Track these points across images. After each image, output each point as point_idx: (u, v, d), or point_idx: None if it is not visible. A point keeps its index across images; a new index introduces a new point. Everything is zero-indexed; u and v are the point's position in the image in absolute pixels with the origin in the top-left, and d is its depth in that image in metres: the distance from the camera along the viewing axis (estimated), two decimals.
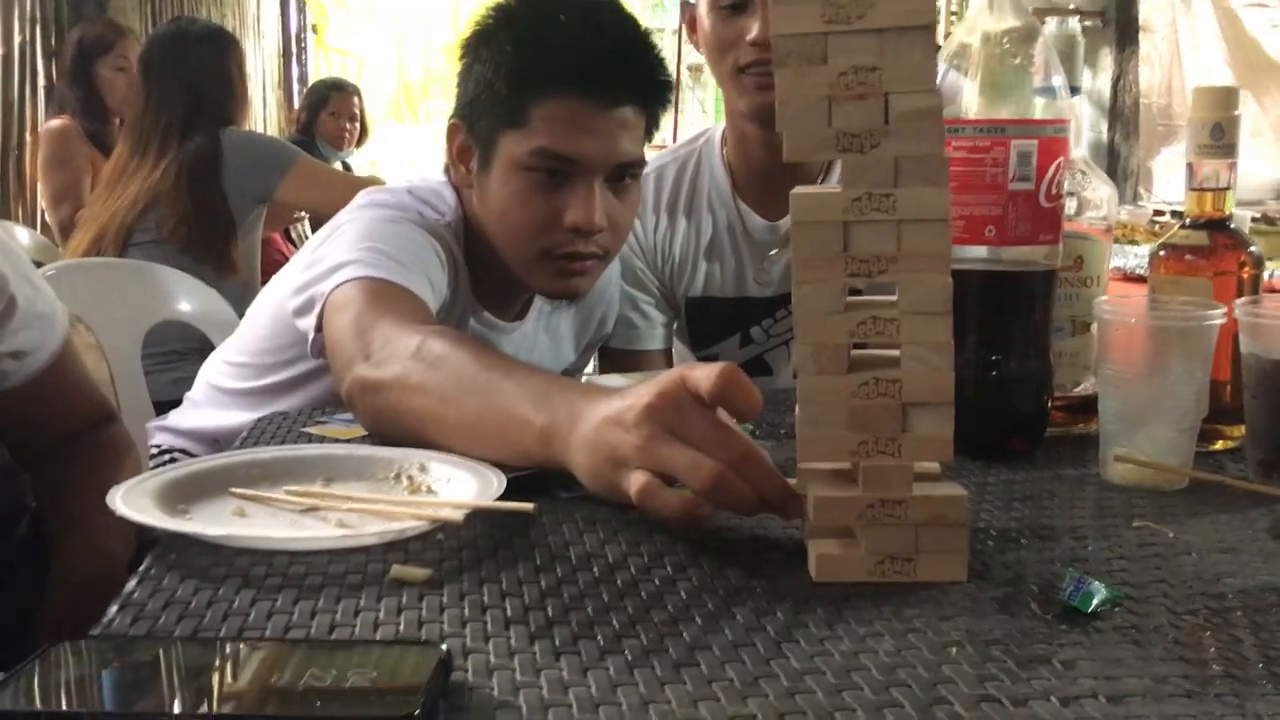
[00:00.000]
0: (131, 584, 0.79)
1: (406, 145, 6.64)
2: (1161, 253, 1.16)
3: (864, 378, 0.80)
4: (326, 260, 1.30)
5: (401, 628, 0.73)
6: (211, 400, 1.62)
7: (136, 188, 2.34)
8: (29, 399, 1.26)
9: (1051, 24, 1.21)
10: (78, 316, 1.72)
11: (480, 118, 1.39)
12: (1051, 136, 1.08)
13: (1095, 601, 0.75)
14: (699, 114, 6.47)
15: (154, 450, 1.64)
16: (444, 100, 6.64)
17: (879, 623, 0.74)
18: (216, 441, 1.52)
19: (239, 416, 1.48)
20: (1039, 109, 1.09)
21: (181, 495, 0.94)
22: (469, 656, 0.68)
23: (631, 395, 0.85)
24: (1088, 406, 1.21)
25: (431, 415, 1.04)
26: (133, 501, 0.88)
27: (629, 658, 0.68)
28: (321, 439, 1.19)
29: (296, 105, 5.56)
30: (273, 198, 2.57)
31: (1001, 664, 0.68)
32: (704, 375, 0.82)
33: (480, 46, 1.39)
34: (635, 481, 0.83)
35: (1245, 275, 1.12)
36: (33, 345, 1.24)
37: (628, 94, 1.36)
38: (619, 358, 1.81)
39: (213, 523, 0.90)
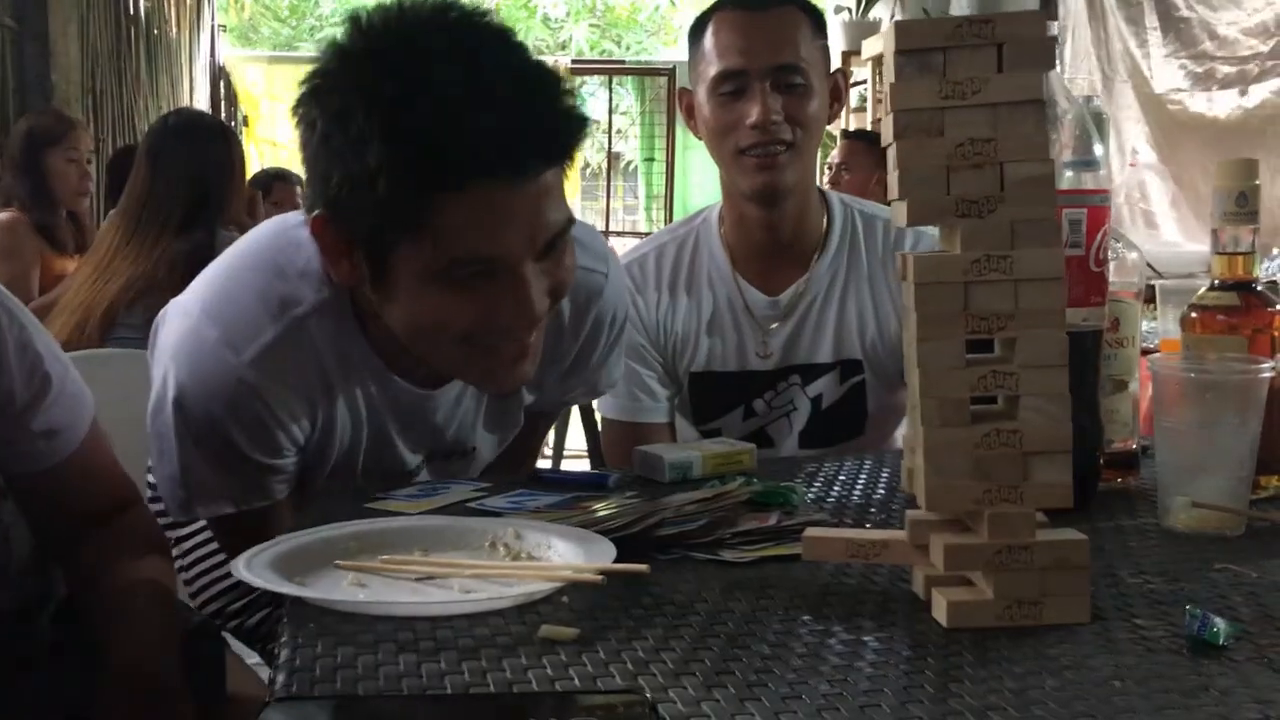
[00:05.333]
0: (286, 652, 0.79)
1: None
2: (1194, 314, 1.23)
3: (986, 429, 0.85)
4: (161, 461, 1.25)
5: (577, 681, 0.74)
6: None
7: (128, 274, 2.32)
8: (61, 480, 1.24)
9: (1078, 102, 1.29)
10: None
11: (357, 221, 1.08)
12: (1097, 206, 1.15)
13: (1224, 635, 0.79)
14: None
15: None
16: None
17: (1029, 662, 0.77)
18: None
19: None
20: (1084, 180, 1.16)
21: (292, 568, 0.94)
22: (658, 706, 0.70)
23: None
24: (1129, 461, 1.27)
25: None
26: (261, 575, 0.88)
27: (810, 703, 0.71)
28: (390, 513, 1.19)
29: None
30: None
31: (1166, 695, 0.72)
32: None
33: (334, 129, 1.05)
34: None
35: (1277, 333, 1.19)
36: (64, 424, 1.23)
37: (547, 159, 1.08)
38: (623, 431, 1.84)
39: (333, 592, 0.90)
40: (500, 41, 1.11)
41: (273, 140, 6.59)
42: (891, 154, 0.86)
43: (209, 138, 2.55)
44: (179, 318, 1.24)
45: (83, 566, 1.29)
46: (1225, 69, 3.67)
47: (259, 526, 1.19)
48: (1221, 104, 3.68)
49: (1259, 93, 3.51)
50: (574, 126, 1.11)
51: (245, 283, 1.23)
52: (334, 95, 1.06)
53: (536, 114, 1.08)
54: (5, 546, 1.21)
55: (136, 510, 1.37)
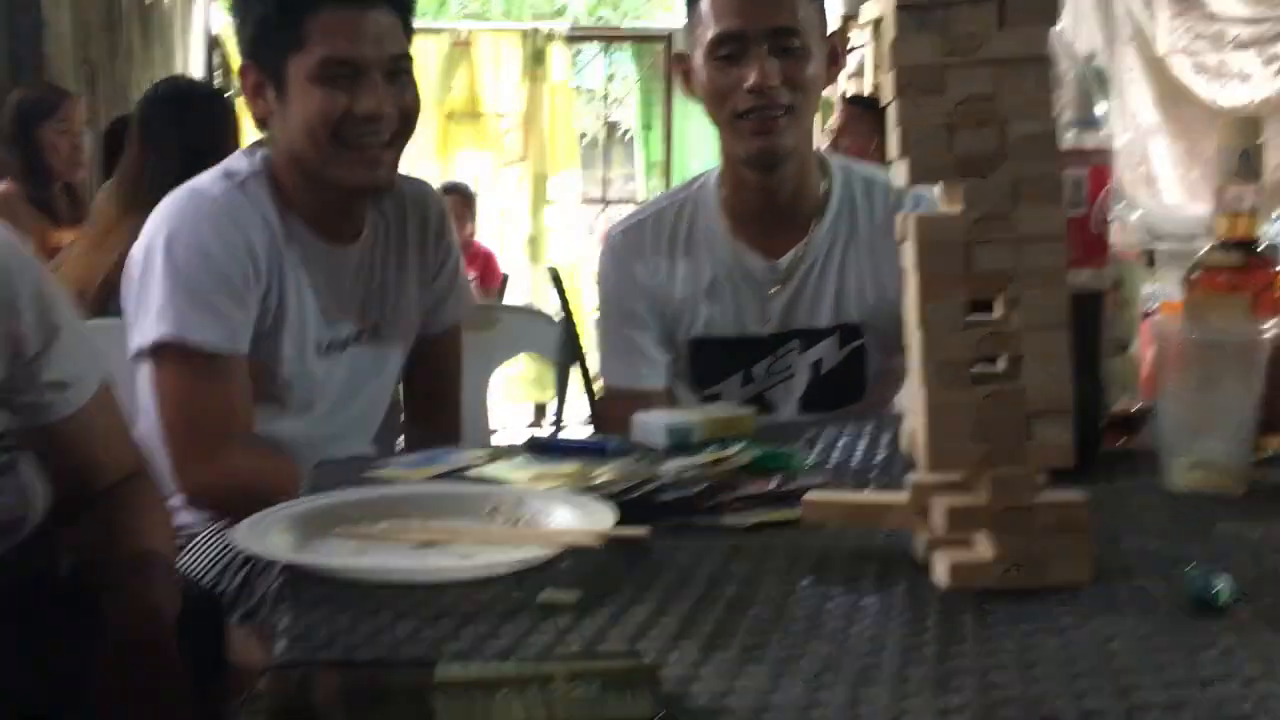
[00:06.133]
0: (288, 619, 0.78)
1: None
2: (1196, 274, 1.22)
3: (987, 390, 0.84)
4: (141, 301, 1.51)
5: (575, 647, 0.74)
6: None
7: (125, 244, 2.28)
8: (70, 437, 1.24)
9: (1080, 61, 1.28)
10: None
11: (265, 51, 1.54)
12: (1099, 165, 1.14)
13: (1225, 595, 0.79)
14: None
15: None
16: None
17: (1030, 623, 0.77)
18: None
19: None
20: (1085, 140, 1.15)
21: (293, 536, 0.94)
22: (657, 670, 0.69)
23: None
24: (1129, 423, 1.27)
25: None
26: (262, 543, 0.87)
27: (810, 665, 0.71)
28: (390, 480, 1.19)
29: None
30: None
31: (1168, 655, 0.71)
32: None
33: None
34: None
35: (1279, 294, 1.19)
36: (73, 377, 1.23)
37: None
38: (622, 397, 1.83)
39: (333, 559, 0.90)
40: None
41: None
42: (891, 112, 0.85)
43: (199, 105, 2.52)
44: (151, 218, 1.58)
45: (86, 532, 1.29)
46: (1233, 30, 3.63)
47: (223, 382, 1.50)
48: (1230, 93, 3.65)
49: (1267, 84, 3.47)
50: None
51: (199, 177, 1.63)
52: None
53: None
54: (23, 499, 1.21)
55: (143, 479, 1.37)
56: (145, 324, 1.50)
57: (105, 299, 2.31)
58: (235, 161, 1.63)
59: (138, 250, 1.56)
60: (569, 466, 1.20)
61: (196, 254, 1.51)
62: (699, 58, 1.73)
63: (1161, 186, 3.98)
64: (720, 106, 1.72)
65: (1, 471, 1.18)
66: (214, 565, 1.53)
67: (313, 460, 1.39)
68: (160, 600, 1.20)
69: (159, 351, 1.50)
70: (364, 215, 1.66)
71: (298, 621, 0.78)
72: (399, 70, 1.56)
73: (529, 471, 1.20)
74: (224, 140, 2.50)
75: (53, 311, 1.19)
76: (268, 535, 0.92)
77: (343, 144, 1.52)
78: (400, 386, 1.83)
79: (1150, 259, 2.20)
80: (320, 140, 1.52)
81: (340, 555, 0.92)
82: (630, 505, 1.02)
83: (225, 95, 2.77)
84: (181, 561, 1.51)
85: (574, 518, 0.98)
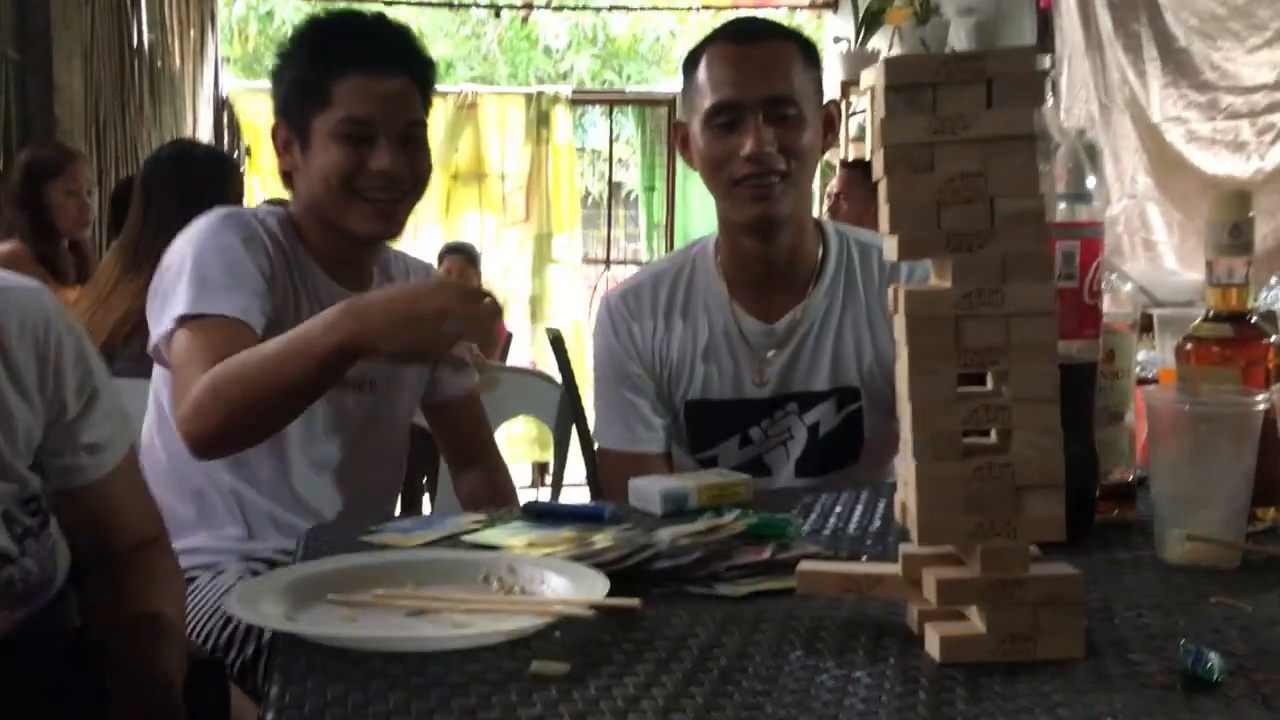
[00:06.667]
0: (276, 689, 0.78)
1: None
2: (1188, 345, 1.23)
3: (978, 463, 0.84)
4: (168, 294, 1.57)
5: (567, 719, 0.74)
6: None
7: (126, 306, 2.31)
8: (99, 501, 1.25)
9: (1071, 134, 1.29)
10: None
11: (294, 110, 1.68)
12: (1090, 237, 1.16)
13: (1218, 671, 0.79)
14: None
15: None
16: None
17: (1022, 699, 0.77)
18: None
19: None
20: (1077, 213, 1.16)
21: (284, 603, 0.94)
22: None
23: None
24: (1125, 493, 1.27)
25: (253, 382, 1.40)
26: (255, 612, 0.87)
27: None
28: (385, 547, 1.19)
29: None
30: None
31: None
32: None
33: (286, 64, 1.72)
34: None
35: (1270, 365, 1.19)
36: (107, 440, 1.24)
37: (402, 67, 1.68)
38: (620, 461, 1.83)
39: (324, 627, 0.90)
40: (393, 21, 1.77)
41: (275, 172, 6.61)
42: (882, 189, 0.87)
43: (201, 167, 2.55)
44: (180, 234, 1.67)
45: (97, 594, 1.29)
46: (1228, 99, 3.67)
47: (237, 342, 1.49)
48: (1223, 162, 3.68)
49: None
50: (424, 58, 1.74)
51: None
52: (289, 47, 1.73)
53: (401, 41, 1.72)
54: (51, 560, 1.21)
55: (160, 546, 1.37)
56: (166, 314, 1.56)
57: (109, 358, 2.33)
58: (257, 207, 1.80)
59: (164, 261, 1.65)
60: (565, 533, 1.20)
61: (217, 250, 1.60)
62: (696, 126, 1.75)
63: (1160, 251, 4.00)
64: (717, 174, 1.74)
65: (34, 534, 1.18)
66: (210, 616, 1.53)
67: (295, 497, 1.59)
68: (167, 664, 1.20)
69: (176, 330, 1.54)
70: (373, 268, 1.78)
71: (286, 690, 0.78)
72: (413, 135, 1.68)
73: (525, 538, 1.20)
74: (226, 202, 2.53)
75: (93, 375, 1.21)
76: (260, 602, 0.92)
77: (356, 195, 1.64)
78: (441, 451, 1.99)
79: (1148, 324, 2.22)
80: (335, 190, 1.64)
81: (332, 622, 0.92)
82: (625, 573, 1.02)
83: (229, 157, 2.81)
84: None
85: (567, 586, 0.98)
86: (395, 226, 1.72)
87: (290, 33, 1.81)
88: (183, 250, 1.63)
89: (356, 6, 1.89)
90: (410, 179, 1.69)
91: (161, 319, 1.59)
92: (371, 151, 1.64)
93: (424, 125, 1.73)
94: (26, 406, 1.16)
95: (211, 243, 1.62)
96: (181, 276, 1.58)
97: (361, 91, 1.65)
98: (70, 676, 1.25)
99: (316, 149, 1.66)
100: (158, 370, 1.74)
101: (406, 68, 1.71)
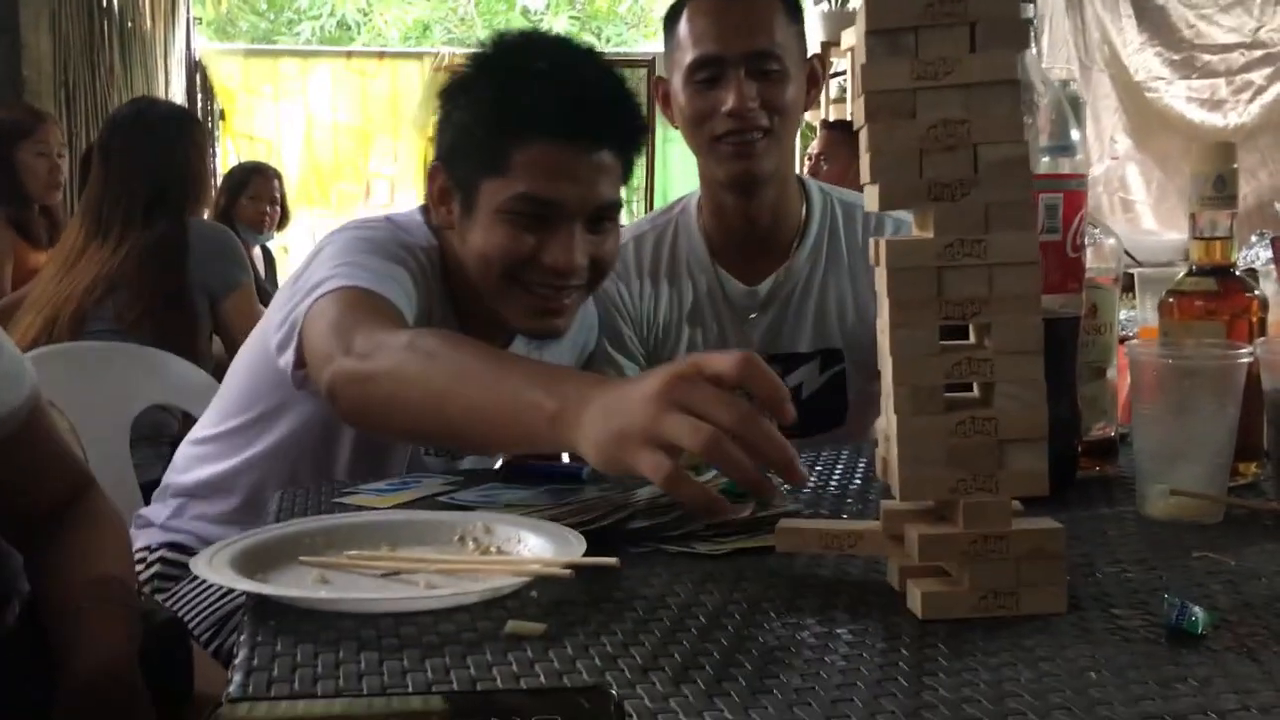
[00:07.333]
0: (244, 651, 0.77)
1: (317, 228, 6.61)
2: (1171, 299, 1.21)
3: (960, 416, 0.83)
4: (304, 285, 1.32)
5: (542, 679, 0.72)
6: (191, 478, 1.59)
7: (95, 271, 2.28)
8: (7, 459, 1.21)
9: (1055, 86, 1.27)
10: (50, 401, 1.66)
11: (460, 163, 1.40)
12: (1074, 190, 1.14)
13: (1202, 624, 0.78)
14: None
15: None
16: (354, 183, 6.63)
17: (1004, 654, 0.76)
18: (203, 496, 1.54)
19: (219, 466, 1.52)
20: (1060, 165, 1.15)
21: (255, 565, 0.92)
22: (625, 702, 0.68)
23: (642, 378, 0.89)
24: (1107, 449, 1.26)
25: (431, 407, 1.08)
26: (221, 572, 0.86)
27: (781, 697, 0.69)
28: (359, 508, 1.17)
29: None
30: (219, 305, 2.49)
31: (1144, 685, 0.70)
32: (723, 359, 0.86)
33: (459, 94, 1.41)
34: (653, 464, 0.84)
35: (1255, 318, 1.18)
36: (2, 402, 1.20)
37: (606, 139, 1.38)
38: None
39: (295, 589, 0.88)
40: (590, 55, 1.47)
41: (250, 134, 6.52)
42: (864, 137, 0.84)
43: (162, 126, 2.49)
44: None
45: (41, 560, 1.26)
46: (1205, 57, 3.66)
47: (382, 313, 1.26)
48: (1203, 119, 3.67)
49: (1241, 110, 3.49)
50: (634, 127, 1.43)
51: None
52: (464, 73, 1.43)
53: (609, 104, 1.40)
54: None
55: (91, 496, 1.33)
56: (303, 300, 1.31)
57: (79, 325, 2.29)
58: (407, 220, 1.49)
59: (299, 275, 1.40)
60: (542, 492, 1.19)
61: (364, 241, 1.39)
62: (677, 81, 1.72)
63: (1139, 212, 4.00)
64: (699, 130, 1.71)
65: None
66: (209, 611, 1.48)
67: None
68: (119, 629, 1.17)
69: (314, 306, 1.29)
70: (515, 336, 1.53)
71: (254, 652, 0.76)
72: (604, 219, 1.41)
73: (502, 498, 1.18)
74: (188, 164, 2.48)
75: None
76: (227, 563, 0.90)
77: (519, 284, 1.38)
78: None
79: (1128, 284, 2.21)
80: (495, 277, 1.38)
81: (304, 584, 0.90)
82: (602, 532, 1.00)
83: (190, 115, 2.74)
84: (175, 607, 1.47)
85: (544, 545, 0.97)
86: (563, 324, 1.44)
87: (472, 53, 1.47)
88: (323, 243, 1.41)
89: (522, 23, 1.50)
90: (590, 271, 1.40)
91: (299, 303, 1.31)
92: (549, 239, 1.36)
93: (619, 208, 1.43)
94: None
95: (358, 236, 1.40)
96: (318, 265, 1.34)
97: (549, 165, 1.34)
98: (20, 645, 1.22)
99: (480, 220, 1.38)
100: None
101: (613, 139, 1.39)
